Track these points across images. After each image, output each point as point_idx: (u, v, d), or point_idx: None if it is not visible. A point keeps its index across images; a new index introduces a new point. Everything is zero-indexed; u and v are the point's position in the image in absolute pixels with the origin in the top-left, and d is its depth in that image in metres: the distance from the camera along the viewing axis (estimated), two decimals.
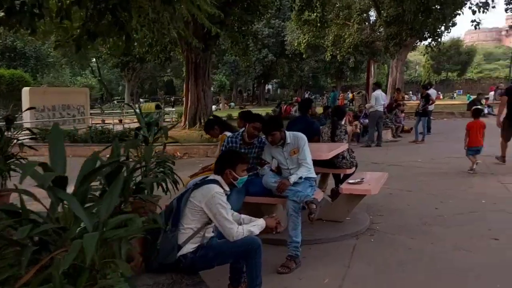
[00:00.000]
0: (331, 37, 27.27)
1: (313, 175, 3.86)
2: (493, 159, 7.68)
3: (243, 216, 2.95)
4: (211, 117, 6.63)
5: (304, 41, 29.77)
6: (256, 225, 2.79)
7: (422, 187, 6.19)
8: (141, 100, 46.34)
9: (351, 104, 30.76)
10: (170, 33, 5.92)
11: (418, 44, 26.92)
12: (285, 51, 39.11)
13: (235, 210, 3.01)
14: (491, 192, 5.70)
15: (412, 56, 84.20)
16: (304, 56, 31.93)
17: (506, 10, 23.58)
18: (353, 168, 5.08)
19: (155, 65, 49.65)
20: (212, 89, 44.75)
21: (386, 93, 25.34)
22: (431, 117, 13.84)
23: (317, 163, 4.45)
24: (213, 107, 42.31)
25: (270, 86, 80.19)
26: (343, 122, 5.45)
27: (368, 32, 25.97)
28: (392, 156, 9.30)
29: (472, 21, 17.05)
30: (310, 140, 5.23)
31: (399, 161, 8.51)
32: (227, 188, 2.82)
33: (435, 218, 4.71)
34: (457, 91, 52.37)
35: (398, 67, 24.75)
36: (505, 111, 7.56)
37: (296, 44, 30.79)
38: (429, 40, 24.88)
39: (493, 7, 15.75)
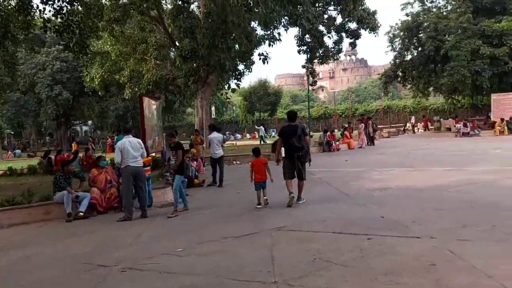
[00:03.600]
0: (127, 73, 23.78)
1: None
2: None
3: None
4: None
5: (98, 76, 25.57)
6: None
7: None
8: None
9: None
10: None
11: (224, 84, 25.67)
12: (84, 89, 33.92)
13: None
14: None
15: (232, 97, 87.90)
16: (100, 93, 27.55)
17: (298, 52, 24.30)
18: None
19: None
20: None
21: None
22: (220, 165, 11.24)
23: None
24: None
25: (86, 128, 72.16)
26: None
27: (169, 69, 23.43)
28: (142, 244, 5.87)
29: (260, 55, 15.98)
30: None
31: (148, 257, 5.14)
32: None
33: None
34: (271, 130, 54.75)
35: (203, 106, 22.70)
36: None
37: (88, 80, 26.29)
38: (233, 79, 24.03)
39: (279, 39, 14.66)
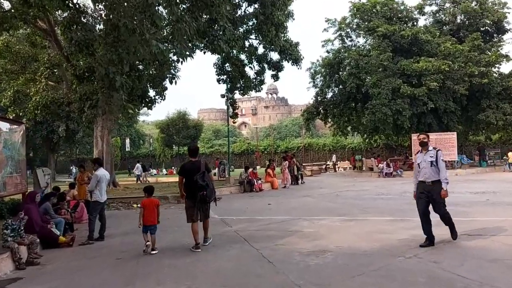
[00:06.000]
0: (9, 93, 19.69)
1: None
2: None
3: None
4: None
5: None
6: None
7: None
8: None
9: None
10: None
11: (136, 111, 22.61)
12: None
13: None
14: None
15: (149, 129, 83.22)
16: None
17: (218, 81, 22.25)
18: None
19: None
20: None
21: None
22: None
23: None
24: None
25: None
26: None
27: (65, 91, 19.80)
28: None
29: (169, 74, 13.60)
30: None
31: None
32: None
33: None
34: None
35: (104, 136, 19.23)
36: None
37: None
38: (142, 106, 21.18)
39: (190, 55, 12.26)
